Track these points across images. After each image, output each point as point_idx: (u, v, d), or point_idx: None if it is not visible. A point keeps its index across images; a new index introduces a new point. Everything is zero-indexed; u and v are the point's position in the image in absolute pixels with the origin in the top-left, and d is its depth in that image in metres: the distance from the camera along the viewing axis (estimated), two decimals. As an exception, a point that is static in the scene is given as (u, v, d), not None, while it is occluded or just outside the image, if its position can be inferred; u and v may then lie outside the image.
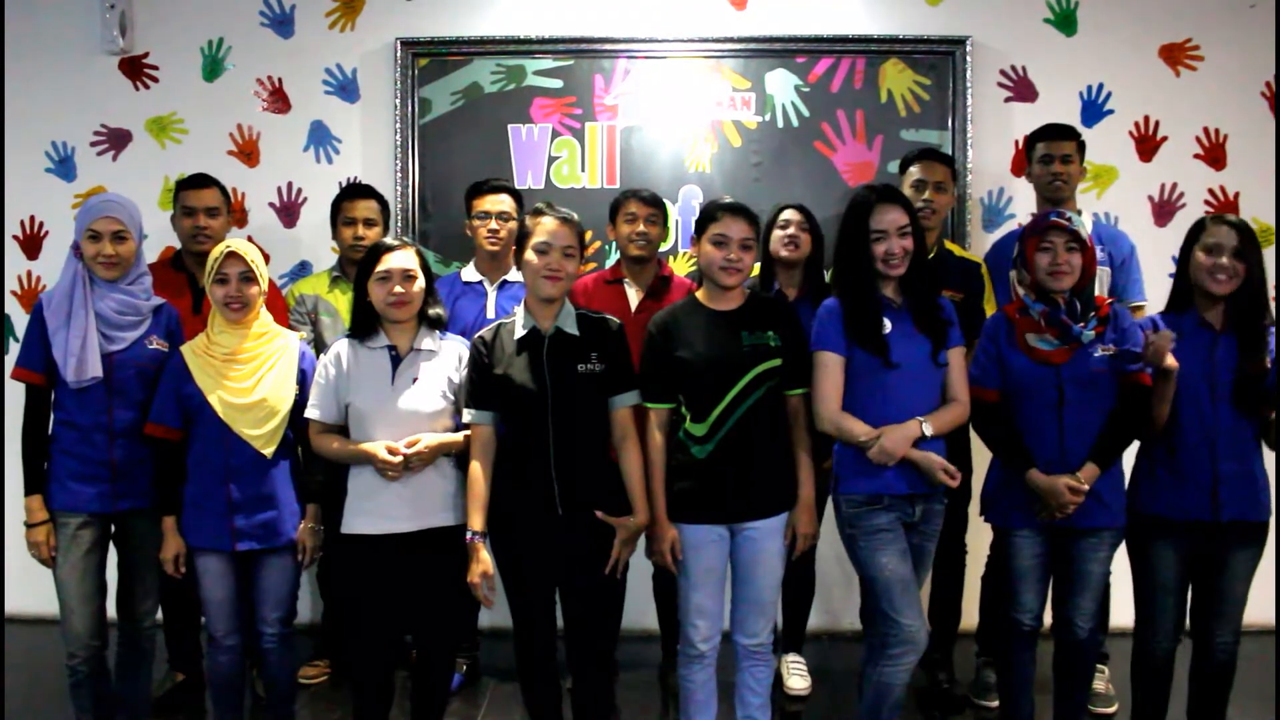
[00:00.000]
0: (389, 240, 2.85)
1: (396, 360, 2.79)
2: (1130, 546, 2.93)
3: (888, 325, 2.74)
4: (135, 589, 3.03)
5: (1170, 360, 2.72)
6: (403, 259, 2.78)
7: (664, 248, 4.03)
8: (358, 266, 2.87)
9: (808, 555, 3.60)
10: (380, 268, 2.77)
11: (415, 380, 2.78)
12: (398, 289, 2.75)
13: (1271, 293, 3.92)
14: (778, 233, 3.44)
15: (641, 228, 3.49)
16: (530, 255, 2.72)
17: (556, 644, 2.84)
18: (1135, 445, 2.97)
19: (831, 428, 2.75)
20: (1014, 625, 2.92)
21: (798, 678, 3.68)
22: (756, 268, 3.43)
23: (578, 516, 2.70)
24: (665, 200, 3.77)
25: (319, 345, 3.48)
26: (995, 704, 3.35)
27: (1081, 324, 2.79)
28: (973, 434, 3.33)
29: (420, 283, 2.80)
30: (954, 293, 3.29)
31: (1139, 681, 2.98)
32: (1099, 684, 3.50)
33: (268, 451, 2.83)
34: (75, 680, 2.92)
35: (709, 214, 2.81)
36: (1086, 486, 2.74)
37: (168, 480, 2.87)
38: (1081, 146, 3.57)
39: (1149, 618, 2.92)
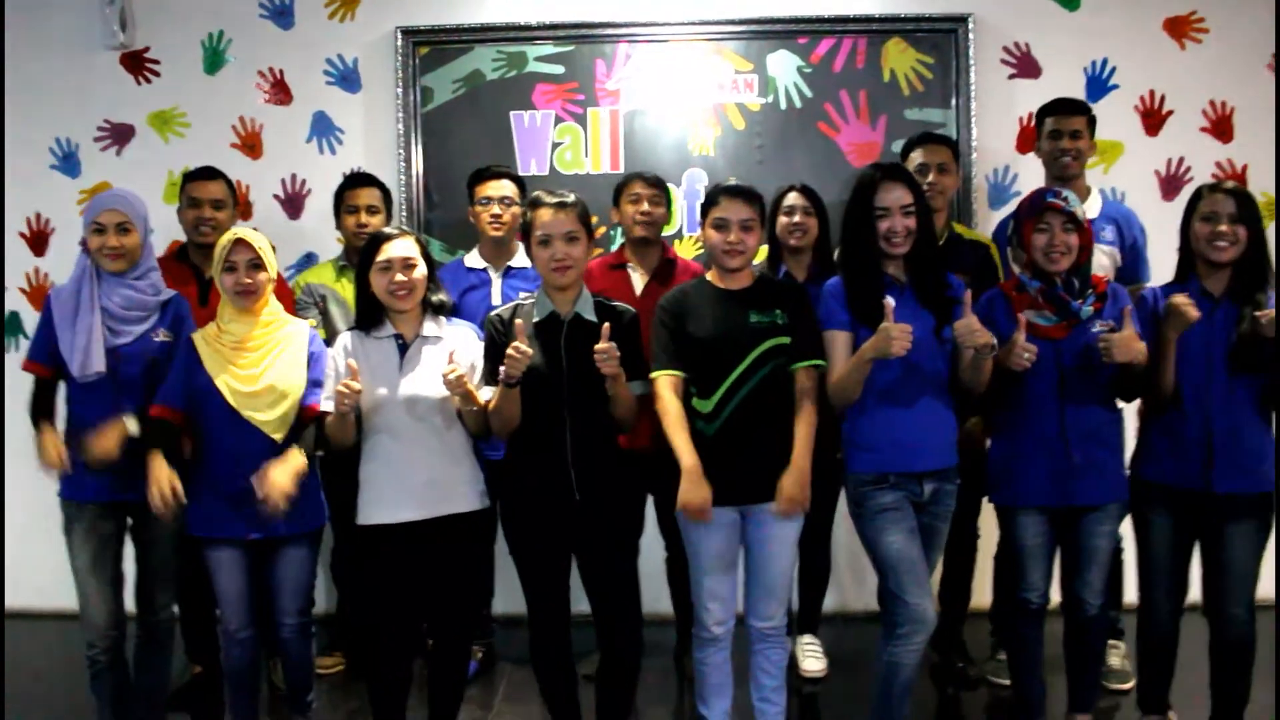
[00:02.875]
0: (388, 229, 2.85)
1: (403, 348, 2.79)
2: (1134, 518, 2.94)
3: (891, 302, 2.73)
4: (152, 582, 3.04)
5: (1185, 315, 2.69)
6: (402, 247, 2.77)
7: (669, 231, 4.02)
8: (359, 256, 2.87)
9: (823, 538, 3.62)
10: (380, 257, 2.76)
11: (422, 366, 2.77)
12: (399, 277, 2.74)
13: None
14: (783, 219, 3.43)
15: (646, 207, 3.48)
16: (536, 249, 2.73)
17: (571, 629, 2.84)
18: (1137, 417, 2.98)
19: (840, 393, 2.73)
20: (1022, 604, 2.91)
21: (813, 660, 3.69)
22: (764, 251, 3.42)
23: (594, 502, 2.71)
24: (670, 184, 3.76)
25: (330, 335, 3.47)
26: (1009, 682, 3.36)
27: (1080, 300, 2.78)
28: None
29: (421, 269, 2.79)
30: (965, 275, 3.28)
31: (1143, 653, 2.99)
32: (1115, 659, 3.51)
33: (278, 437, 2.82)
34: (95, 671, 2.94)
35: (711, 198, 2.82)
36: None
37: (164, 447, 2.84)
38: (1092, 121, 3.51)
39: (1148, 588, 2.93)
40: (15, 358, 3.08)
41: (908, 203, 2.73)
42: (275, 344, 2.87)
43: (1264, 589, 3.45)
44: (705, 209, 2.83)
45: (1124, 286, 2.98)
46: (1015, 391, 2.82)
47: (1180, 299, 2.69)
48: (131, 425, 2.83)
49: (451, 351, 2.67)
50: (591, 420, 2.71)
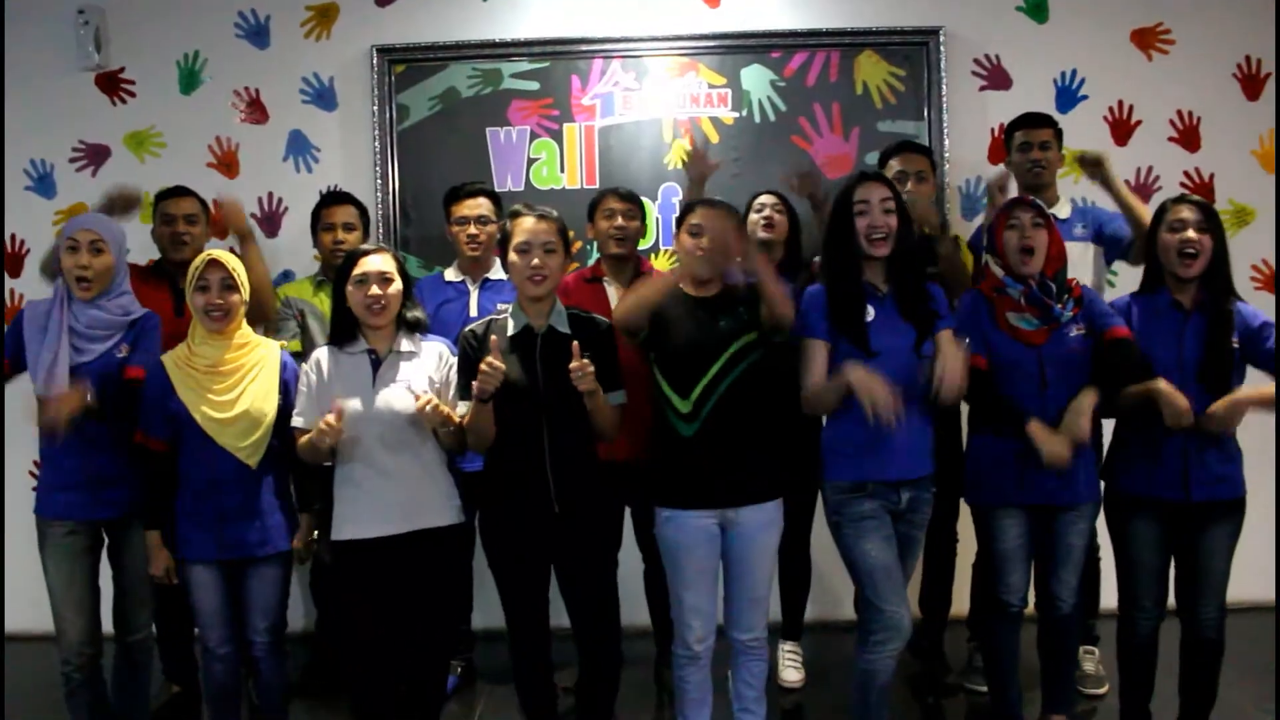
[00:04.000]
0: (365, 246, 2.87)
1: (377, 363, 2.80)
2: (1110, 525, 2.96)
3: (871, 313, 2.75)
4: (129, 602, 3.04)
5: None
6: (379, 262, 2.79)
7: (645, 245, 4.05)
8: (336, 273, 2.89)
9: (803, 544, 3.62)
10: (357, 272, 2.78)
11: (395, 381, 2.78)
12: (374, 290, 2.76)
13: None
14: (754, 215, 3.52)
15: (620, 221, 3.50)
16: (513, 257, 2.74)
17: (551, 643, 2.85)
18: (1111, 424, 3.01)
19: (816, 401, 2.77)
20: (1001, 607, 2.93)
21: (792, 670, 3.70)
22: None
23: (573, 515, 2.72)
24: (645, 198, 3.78)
25: (307, 348, 3.48)
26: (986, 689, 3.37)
27: (1060, 305, 2.82)
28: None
29: (397, 285, 2.81)
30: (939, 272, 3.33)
31: (1124, 660, 3.00)
32: (1089, 665, 3.53)
33: (252, 462, 2.83)
34: (70, 688, 2.93)
35: (686, 208, 2.86)
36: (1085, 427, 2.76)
37: (153, 493, 2.87)
38: (1059, 133, 3.60)
39: (1129, 595, 2.95)
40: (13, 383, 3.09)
41: (886, 196, 2.76)
42: (249, 368, 2.86)
43: (1264, 591, 3.52)
44: (680, 219, 2.85)
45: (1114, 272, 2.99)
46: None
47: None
48: (89, 398, 2.83)
49: (408, 386, 2.71)
50: (569, 432, 2.73)
